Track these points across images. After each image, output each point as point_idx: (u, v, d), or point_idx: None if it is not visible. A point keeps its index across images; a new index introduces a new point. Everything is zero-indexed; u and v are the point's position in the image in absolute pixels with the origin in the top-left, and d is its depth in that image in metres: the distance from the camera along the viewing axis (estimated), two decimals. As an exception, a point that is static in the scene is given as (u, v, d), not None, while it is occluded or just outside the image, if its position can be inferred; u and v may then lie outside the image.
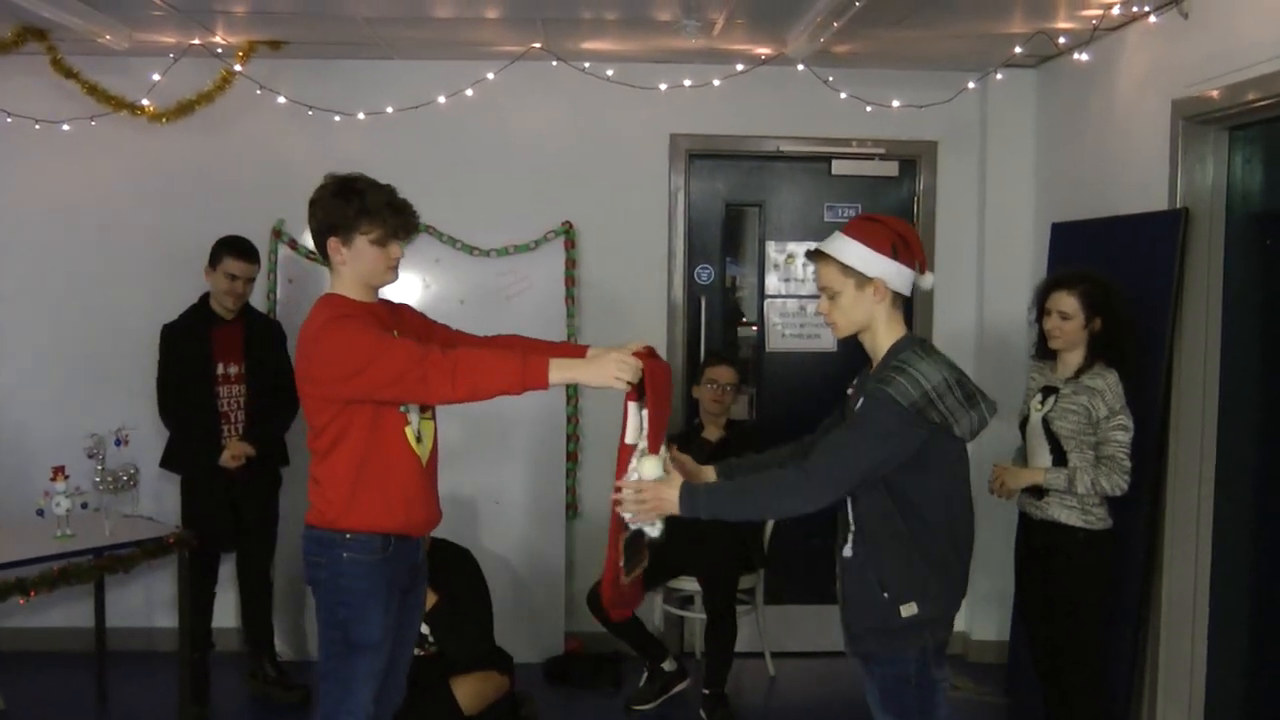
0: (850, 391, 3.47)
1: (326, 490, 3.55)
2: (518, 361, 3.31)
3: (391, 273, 3.61)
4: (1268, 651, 4.50)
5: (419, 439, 3.60)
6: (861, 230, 3.30)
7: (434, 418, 3.70)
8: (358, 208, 3.49)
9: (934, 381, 3.16)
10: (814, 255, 3.36)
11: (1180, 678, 4.80)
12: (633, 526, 3.37)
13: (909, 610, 3.25)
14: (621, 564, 3.48)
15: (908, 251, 3.28)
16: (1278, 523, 4.43)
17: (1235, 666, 4.66)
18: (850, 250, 3.27)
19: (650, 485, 3.27)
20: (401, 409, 3.52)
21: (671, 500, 3.24)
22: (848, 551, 3.32)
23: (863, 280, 3.26)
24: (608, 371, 3.32)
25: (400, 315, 3.76)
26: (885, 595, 3.25)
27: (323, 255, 3.60)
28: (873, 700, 3.42)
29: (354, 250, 3.53)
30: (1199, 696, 4.77)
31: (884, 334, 3.32)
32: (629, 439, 3.37)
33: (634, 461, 3.32)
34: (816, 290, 3.41)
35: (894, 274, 3.26)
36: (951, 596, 3.36)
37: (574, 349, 3.79)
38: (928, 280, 3.34)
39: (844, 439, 3.22)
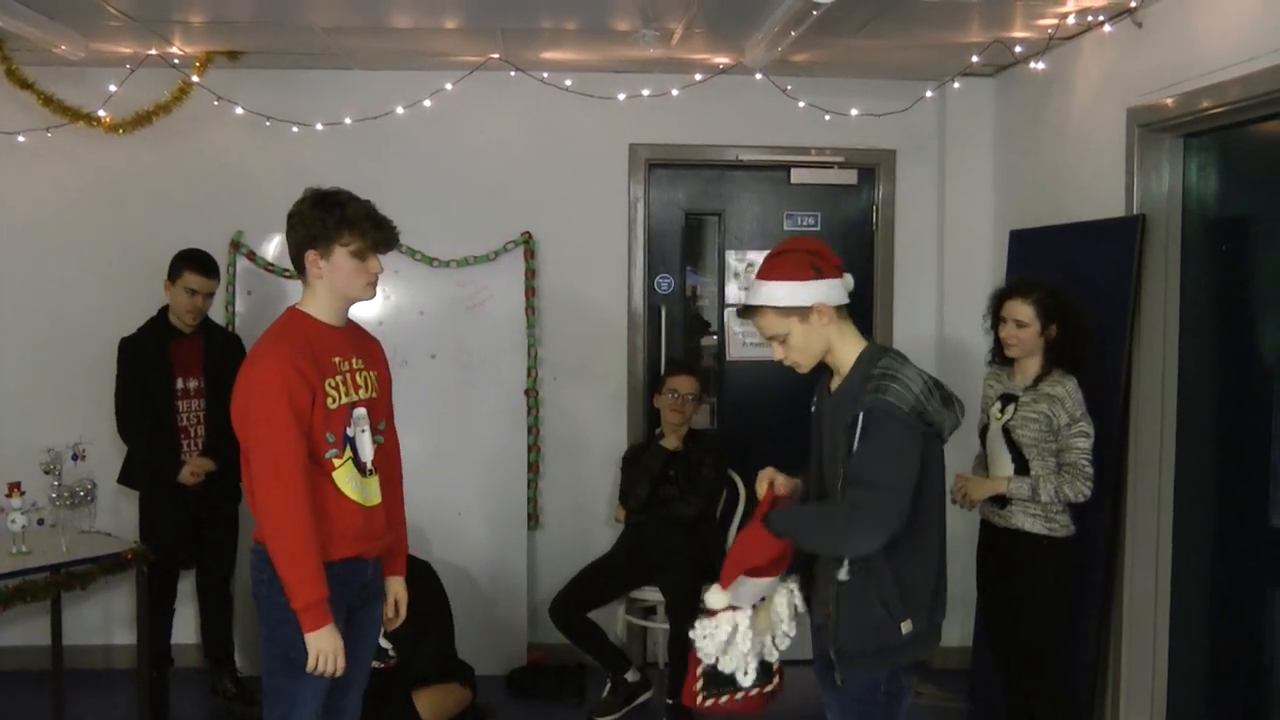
0: (815, 408, 3.43)
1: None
2: (313, 589, 3.36)
3: (370, 289, 3.53)
4: (1228, 655, 4.53)
5: (359, 490, 3.50)
6: (777, 268, 3.26)
7: (375, 473, 3.58)
8: (338, 219, 3.42)
9: (918, 386, 3.15)
10: (746, 312, 3.33)
11: (1142, 682, 4.82)
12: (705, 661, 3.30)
13: (908, 627, 3.20)
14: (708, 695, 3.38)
15: (826, 263, 3.25)
16: (1237, 527, 4.46)
17: (1196, 671, 4.69)
18: (778, 292, 3.23)
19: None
20: (328, 455, 3.43)
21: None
22: (843, 575, 3.19)
23: (804, 313, 3.22)
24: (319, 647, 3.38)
25: (366, 350, 3.66)
26: (888, 614, 3.18)
27: (299, 270, 3.52)
28: (832, 712, 3.38)
29: (332, 263, 3.45)
30: (1160, 701, 4.80)
31: (846, 348, 3.28)
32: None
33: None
34: (765, 341, 3.36)
35: (826, 291, 3.23)
36: (942, 605, 3.34)
37: (401, 549, 3.82)
38: (849, 280, 3.31)
39: (873, 467, 3.10)
